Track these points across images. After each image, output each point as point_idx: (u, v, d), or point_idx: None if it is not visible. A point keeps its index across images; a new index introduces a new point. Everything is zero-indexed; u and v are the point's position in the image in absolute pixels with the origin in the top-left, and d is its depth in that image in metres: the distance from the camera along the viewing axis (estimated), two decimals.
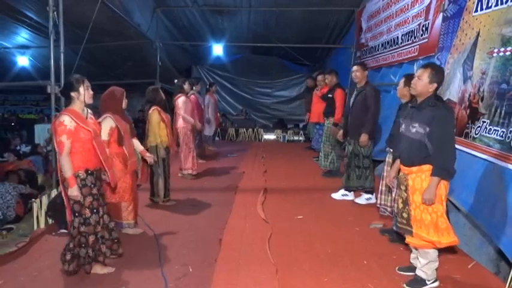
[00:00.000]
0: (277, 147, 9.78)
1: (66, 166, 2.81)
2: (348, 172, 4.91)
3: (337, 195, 5.03)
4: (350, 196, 4.96)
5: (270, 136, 11.29)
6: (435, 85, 2.69)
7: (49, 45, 5.04)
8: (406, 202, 2.82)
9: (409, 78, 3.57)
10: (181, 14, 9.56)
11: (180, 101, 5.82)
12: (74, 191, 2.84)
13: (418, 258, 2.85)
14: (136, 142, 3.96)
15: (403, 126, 2.86)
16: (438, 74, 2.71)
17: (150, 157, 4.13)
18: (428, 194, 2.65)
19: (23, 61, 11.23)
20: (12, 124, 14.08)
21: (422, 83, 2.70)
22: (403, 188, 2.86)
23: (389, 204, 3.87)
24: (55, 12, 4.83)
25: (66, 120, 2.81)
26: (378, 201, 4.04)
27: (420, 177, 2.70)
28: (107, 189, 3.57)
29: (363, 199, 4.87)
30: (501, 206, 3.07)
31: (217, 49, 11.83)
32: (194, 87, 6.82)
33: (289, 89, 13.06)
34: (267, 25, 9.96)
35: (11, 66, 11.13)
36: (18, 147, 9.58)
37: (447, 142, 2.62)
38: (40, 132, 10.76)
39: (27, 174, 6.68)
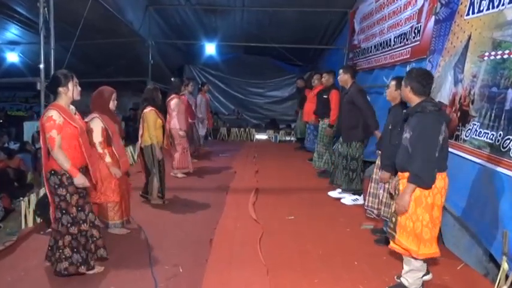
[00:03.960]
0: (269, 147, 9.79)
1: (62, 159, 2.78)
2: (340, 173, 4.97)
3: (334, 194, 5.03)
4: (348, 197, 4.96)
5: (261, 136, 11.29)
6: (408, 88, 2.70)
7: (39, 42, 4.98)
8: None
9: (400, 80, 3.58)
10: (173, 12, 9.49)
11: (173, 103, 5.82)
12: (80, 179, 2.84)
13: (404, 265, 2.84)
14: None
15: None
16: (408, 77, 2.72)
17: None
18: (400, 199, 2.63)
19: (12, 57, 11.08)
20: (1, 121, 13.87)
21: (402, 88, 2.82)
22: (396, 192, 2.83)
23: (376, 206, 3.88)
24: (46, 8, 4.77)
25: (55, 115, 2.78)
26: (366, 203, 4.05)
27: None
28: (93, 189, 3.54)
29: (349, 200, 4.90)
30: (491, 209, 3.10)
31: (210, 48, 11.78)
32: (185, 88, 6.79)
33: (282, 89, 13.07)
34: (260, 25, 9.95)
35: (0, 62, 10.97)
36: (6, 145, 9.42)
37: (423, 149, 2.52)
38: (29, 129, 10.60)
39: (16, 173, 6.58)
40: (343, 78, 4.83)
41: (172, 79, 6.39)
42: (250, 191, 5.14)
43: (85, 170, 3.02)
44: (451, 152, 3.71)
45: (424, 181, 2.55)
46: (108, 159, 3.56)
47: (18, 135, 11.37)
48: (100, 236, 3.09)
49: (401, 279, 2.83)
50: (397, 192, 2.83)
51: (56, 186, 2.85)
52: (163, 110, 5.12)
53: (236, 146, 9.45)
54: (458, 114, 3.80)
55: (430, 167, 2.53)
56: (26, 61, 10.83)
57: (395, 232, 2.75)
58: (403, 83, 2.77)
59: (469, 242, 3.58)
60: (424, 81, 2.68)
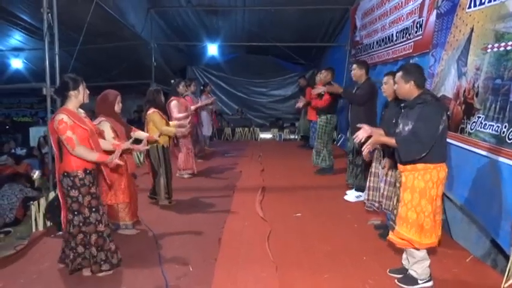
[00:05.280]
0: (274, 146, 9.79)
1: (86, 154, 2.86)
2: (348, 168, 5.01)
3: (351, 198, 4.95)
4: (352, 194, 4.96)
5: (266, 135, 11.30)
6: (412, 82, 2.72)
7: (43, 47, 5.02)
8: (398, 199, 2.83)
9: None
10: (175, 14, 9.53)
11: (172, 104, 5.84)
12: (113, 159, 2.91)
13: (407, 258, 2.87)
14: (138, 132, 3.96)
15: (400, 126, 2.86)
16: (409, 73, 2.73)
17: (154, 138, 4.24)
18: (377, 135, 2.76)
19: (16, 63, 11.17)
20: (7, 127, 13.98)
21: (398, 86, 2.81)
22: (398, 185, 2.89)
23: (377, 199, 3.87)
24: (49, 14, 4.81)
25: (65, 118, 2.84)
26: (366, 197, 4.04)
27: (413, 175, 2.70)
28: (104, 190, 3.59)
29: (353, 197, 4.91)
30: (498, 200, 3.10)
31: (212, 49, 11.82)
32: (188, 88, 6.81)
33: (284, 88, 13.07)
34: (262, 24, 9.96)
35: (4, 68, 11.07)
36: (13, 151, 9.49)
37: (421, 133, 2.56)
38: (35, 134, 10.70)
39: (26, 178, 6.63)
40: (358, 73, 4.80)
41: (172, 81, 6.42)
42: (257, 190, 5.16)
43: (97, 172, 3.06)
44: (457, 146, 3.74)
45: (405, 151, 2.63)
46: (126, 145, 3.35)
47: (25, 141, 11.47)
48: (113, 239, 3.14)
49: (410, 271, 2.85)
50: (398, 185, 2.87)
51: (69, 188, 2.90)
52: (165, 112, 5.14)
53: (241, 146, 9.48)
54: (463, 107, 3.80)
55: (418, 147, 2.58)
56: (30, 67, 10.92)
57: (395, 224, 2.79)
58: (401, 79, 2.76)
59: (476, 235, 3.59)
60: (422, 73, 2.77)
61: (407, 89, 2.75)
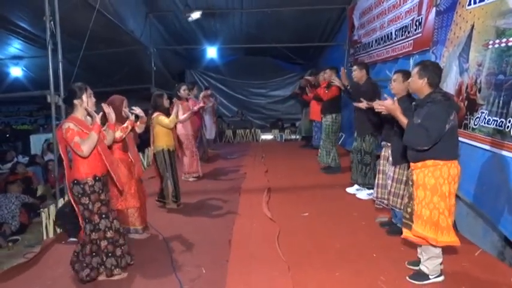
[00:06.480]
0: (276, 147, 9.83)
1: (90, 143, 2.87)
2: (352, 167, 5.08)
3: (352, 190, 5.14)
4: (363, 191, 5.05)
5: (267, 136, 11.33)
6: (425, 80, 2.76)
7: (45, 55, 5.03)
8: (411, 197, 2.87)
9: (405, 73, 3.62)
10: (173, 18, 9.56)
11: (175, 106, 5.87)
12: (96, 120, 2.96)
13: (422, 253, 2.91)
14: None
15: None
16: (425, 70, 2.77)
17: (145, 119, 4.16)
18: (394, 107, 2.85)
19: (16, 72, 11.16)
20: (7, 136, 13.95)
21: (412, 80, 2.86)
22: (410, 183, 2.91)
23: (386, 197, 3.92)
24: (52, 22, 4.83)
25: (71, 125, 2.89)
26: (375, 194, 4.10)
27: (423, 172, 2.73)
28: (114, 195, 3.61)
29: (365, 194, 4.96)
30: (504, 193, 3.15)
31: (211, 52, 11.85)
32: (190, 92, 6.85)
33: (284, 89, 13.10)
34: (260, 26, 9.99)
35: (4, 77, 11.05)
36: (15, 159, 9.48)
37: (427, 127, 2.60)
38: (36, 142, 10.68)
39: (26, 185, 6.64)
40: (359, 74, 4.93)
41: (176, 85, 6.46)
42: (263, 191, 5.20)
43: (106, 179, 3.09)
44: (461, 141, 3.77)
45: (411, 136, 2.70)
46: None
47: (25, 149, 11.44)
48: (125, 243, 3.17)
49: (421, 266, 2.90)
50: (410, 183, 2.90)
51: (80, 196, 2.93)
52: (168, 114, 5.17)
53: (243, 148, 9.51)
54: (466, 103, 3.85)
55: (424, 138, 2.62)
56: (30, 75, 10.91)
57: (412, 222, 2.81)
58: (416, 75, 2.81)
59: (483, 229, 3.63)
60: (439, 73, 2.81)
61: (420, 85, 2.80)
